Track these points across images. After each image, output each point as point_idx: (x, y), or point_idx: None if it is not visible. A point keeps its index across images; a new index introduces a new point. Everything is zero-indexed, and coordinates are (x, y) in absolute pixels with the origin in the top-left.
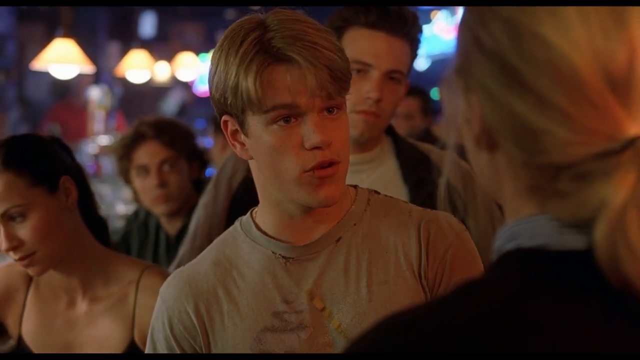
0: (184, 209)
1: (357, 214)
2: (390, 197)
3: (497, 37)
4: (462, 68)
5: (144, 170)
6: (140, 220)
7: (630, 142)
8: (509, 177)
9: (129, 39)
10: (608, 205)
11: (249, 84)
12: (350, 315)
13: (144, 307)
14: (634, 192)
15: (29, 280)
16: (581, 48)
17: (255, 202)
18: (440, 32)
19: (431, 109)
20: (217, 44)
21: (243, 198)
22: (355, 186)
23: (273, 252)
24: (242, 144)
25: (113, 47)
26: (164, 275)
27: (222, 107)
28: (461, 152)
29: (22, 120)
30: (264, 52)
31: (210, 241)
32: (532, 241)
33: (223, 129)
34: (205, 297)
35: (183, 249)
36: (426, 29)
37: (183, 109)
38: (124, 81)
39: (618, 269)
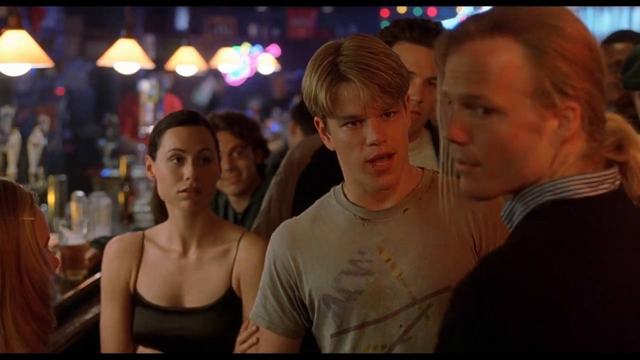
0: (249, 189)
1: (422, 191)
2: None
3: None
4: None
5: None
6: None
7: None
8: None
9: (163, 33)
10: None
11: (322, 97)
12: (409, 267)
13: (241, 260)
14: None
15: (141, 247)
16: None
17: (318, 182)
18: None
19: None
20: (309, 63)
21: (309, 178)
22: (422, 168)
23: (354, 215)
24: (328, 138)
25: (148, 40)
26: (258, 238)
27: (311, 111)
28: None
29: (66, 109)
30: (333, 73)
31: (281, 213)
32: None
33: (316, 126)
34: (302, 245)
35: (259, 219)
36: (451, 21)
37: (215, 98)
38: (174, 74)
39: None
